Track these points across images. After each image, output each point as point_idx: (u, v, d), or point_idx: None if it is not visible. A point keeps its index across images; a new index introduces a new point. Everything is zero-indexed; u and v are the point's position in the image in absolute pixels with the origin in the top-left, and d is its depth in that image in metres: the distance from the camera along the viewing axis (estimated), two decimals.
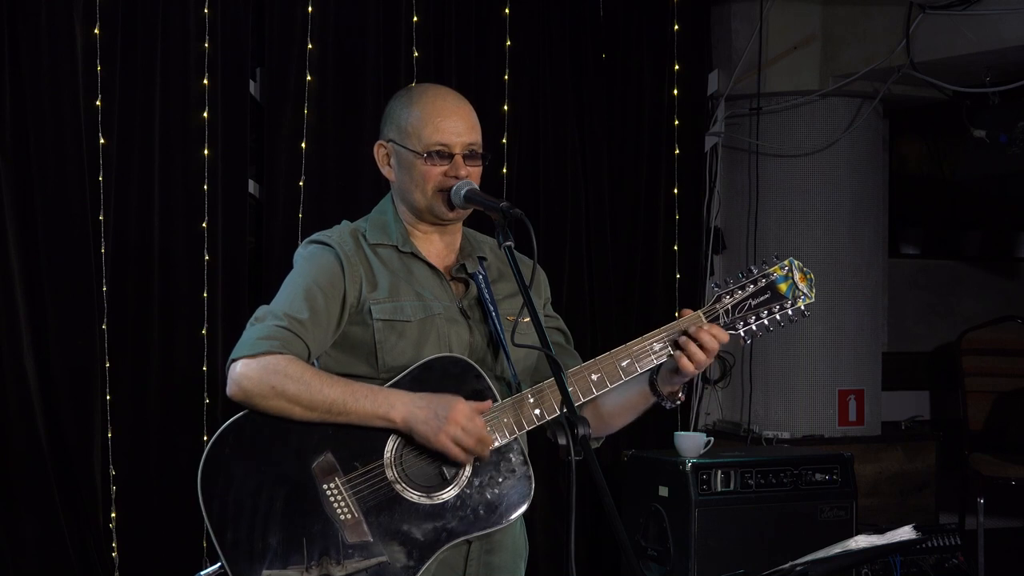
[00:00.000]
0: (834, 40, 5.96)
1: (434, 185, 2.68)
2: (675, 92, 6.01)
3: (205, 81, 4.97)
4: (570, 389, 2.47)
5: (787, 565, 2.73)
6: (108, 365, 4.85)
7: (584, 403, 2.61)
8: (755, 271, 2.66)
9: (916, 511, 6.00)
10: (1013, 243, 7.74)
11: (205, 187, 4.99)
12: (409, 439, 2.56)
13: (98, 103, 4.81)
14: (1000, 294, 7.43)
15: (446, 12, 5.46)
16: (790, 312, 2.65)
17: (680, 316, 2.63)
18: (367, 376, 2.63)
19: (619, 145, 5.94)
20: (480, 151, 2.72)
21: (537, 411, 2.58)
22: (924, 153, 7.70)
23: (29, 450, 4.71)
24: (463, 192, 2.65)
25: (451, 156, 2.68)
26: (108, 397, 4.84)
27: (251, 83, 5.16)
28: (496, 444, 2.56)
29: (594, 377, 2.60)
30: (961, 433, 6.59)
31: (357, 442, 2.56)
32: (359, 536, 2.53)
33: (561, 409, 2.38)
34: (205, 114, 4.97)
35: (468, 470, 2.57)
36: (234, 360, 2.57)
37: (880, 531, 2.86)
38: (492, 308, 2.70)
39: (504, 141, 5.56)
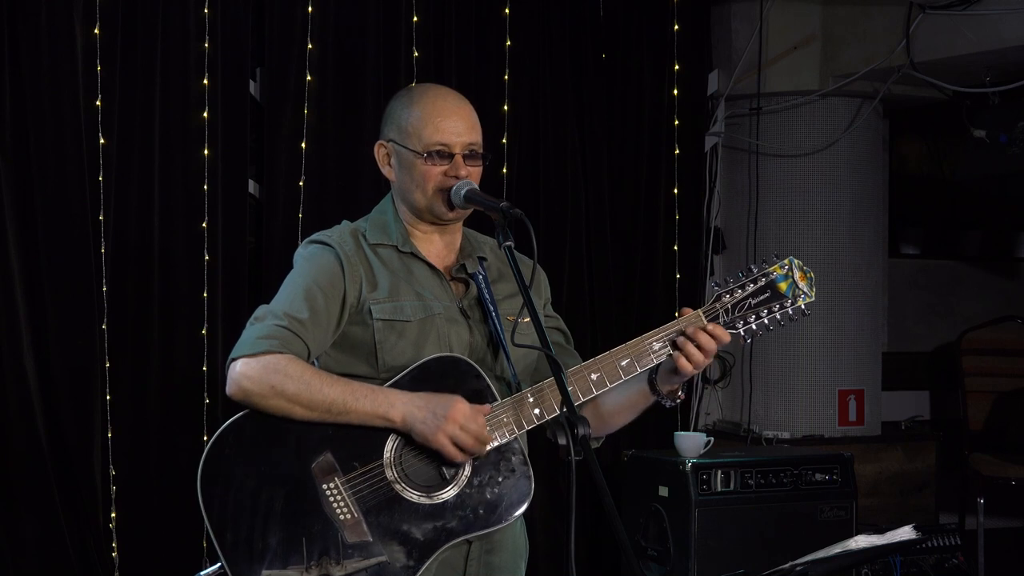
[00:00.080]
0: (834, 40, 5.96)
1: (434, 185, 2.68)
2: (675, 92, 6.01)
3: (205, 81, 4.97)
4: (570, 389, 2.47)
5: (787, 565, 2.73)
6: (108, 365, 4.85)
7: (584, 403, 2.61)
8: (755, 270, 2.66)
9: (916, 511, 6.00)
10: (1013, 243, 7.74)
11: (205, 187, 4.99)
12: (409, 439, 2.56)
13: (98, 103, 4.81)
14: (1000, 294, 7.43)
15: (446, 12, 5.46)
16: (790, 311, 2.65)
17: (680, 315, 2.63)
18: (367, 376, 2.63)
19: (619, 145, 5.94)
20: (480, 151, 2.72)
21: (537, 411, 2.58)
22: (924, 153, 7.70)
23: (29, 450, 4.71)
24: (463, 192, 2.65)
25: (451, 156, 2.68)
26: (108, 397, 4.84)
27: (251, 83, 5.16)
28: (495, 444, 2.56)
29: (594, 377, 2.60)
30: (961, 433, 6.59)
31: (357, 442, 2.56)
32: (359, 536, 2.53)
33: (561, 409, 2.38)
34: (205, 114, 4.98)
35: (468, 470, 2.57)
36: (234, 359, 2.57)
37: (880, 531, 2.86)
38: (492, 308, 2.70)
39: (504, 141, 5.56)
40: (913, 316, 7.21)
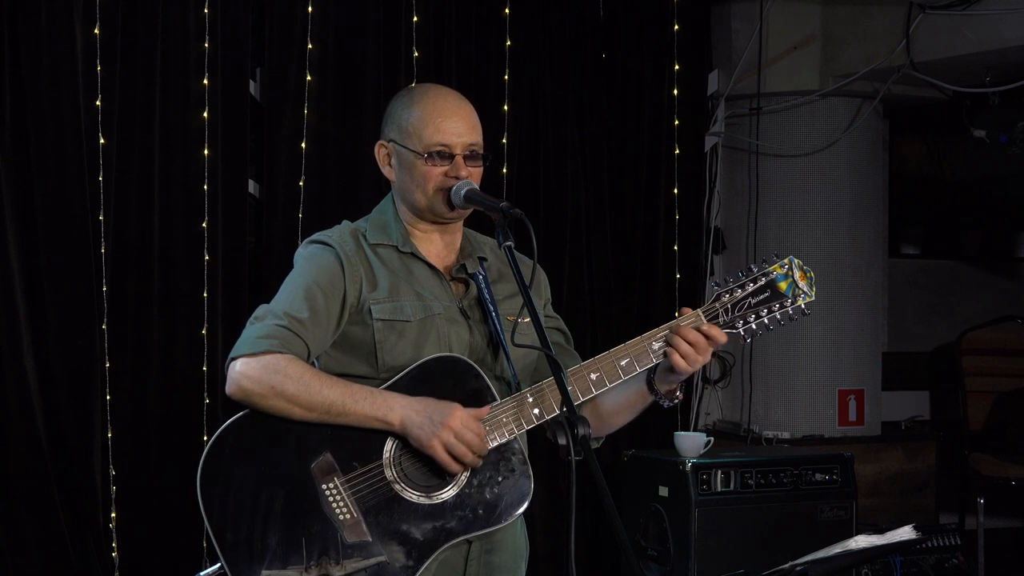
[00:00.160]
0: (834, 40, 5.96)
1: (434, 185, 2.68)
2: (675, 92, 6.01)
3: (205, 81, 4.97)
4: (569, 388, 2.47)
5: (787, 565, 2.72)
6: (108, 365, 4.85)
7: (583, 402, 2.61)
8: (755, 270, 2.66)
9: (916, 511, 6.00)
10: (1013, 243, 7.74)
11: (205, 187, 4.99)
12: (407, 441, 2.56)
13: (98, 103, 4.81)
14: (1000, 294, 7.43)
15: (446, 12, 5.46)
16: (790, 310, 2.65)
17: (680, 315, 2.63)
18: (367, 376, 2.63)
19: (619, 145, 5.94)
20: (481, 151, 2.72)
21: (536, 411, 2.58)
22: (924, 153, 7.70)
23: (29, 450, 4.71)
24: (463, 192, 2.65)
25: (452, 156, 2.68)
26: (108, 397, 4.84)
27: (251, 83, 5.16)
28: (495, 443, 2.56)
29: (593, 376, 2.60)
30: (961, 433, 6.59)
31: (356, 442, 2.56)
32: (358, 536, 2.53)
33: (560, 409, 2.38)
34: (205, 114, 4.97)
35: (467, 470, 2.56)
36: (234, 359, 2.57)
37: (880, 531, 2.86)
38: (492, 308, 2.70)
39: (504, 141, 5.55)
40: (913, 316, 7.21)
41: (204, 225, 4.99)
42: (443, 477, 2.56)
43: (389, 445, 2.57)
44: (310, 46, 5.14)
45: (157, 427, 4.94)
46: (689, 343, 2.57)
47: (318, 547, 2.52)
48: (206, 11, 4.95)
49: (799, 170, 6.07)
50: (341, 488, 2.54)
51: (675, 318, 2.64)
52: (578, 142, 5.80)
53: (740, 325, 2.63)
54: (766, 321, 2.64)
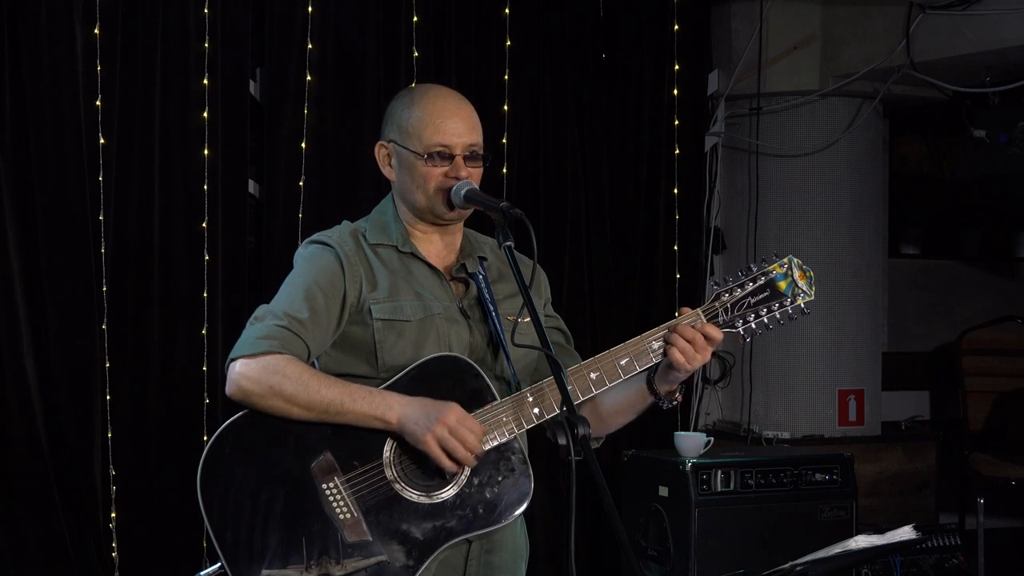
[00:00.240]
0: (834, 40, 5.96)
1: (435, 185, 2.68)
2: (675, 92, 6.01)
3: (205, 81, 4.97)
4: (569, 388, 2.47)
5: (787, 565, 2.73)
6: (108, 365, 4.85)
7: (583, 402, 2.61)
8: (754, 269, 2.66)
9: (916, 511, 6.00)
10: (1013, 243, 7.74)
11: (205, 187, 4.99)
12: (405, 440, 2.56)
13: (98, 103, 4.81)
14: (1000, 294, 7.43)
15: (446, 12, 5.46)
16: (790, 310, 2.65)
17: (680, 315, 2.63)
18: (367, 376, 2.63)
19: (619, 145, 5.94)
20: (481, 152, 2.72)
21: (536, 410, 2.58)
22: (924, 153, 7.70)
23: (29, 450, 4.71)
24: (463, 192, 2.65)
25: (452, 157, 2.68)
26: (108, 397, 4.84)
27: (251, 83, 5.16)
28: (495, 443, 2.56)
29: (593, 376, 2.60)
30: (961, 433, 6.59)
31: (356, 441, 2.56)
32: (358, 535, 2.53)
33: (560, 408, 2.38)
34: (205, 114, 4.98)
35: (467, 469, 2.57)
36: (233, 359, 2.57)
37: (880, 531, 2.86)
38: (492, 308, 2.70)
39: (504, 141, 5.55)
40: (913, 316, 7.21)
41: (204, 225, 4.99)
42: (443, 477, 2.56)
43: (389, 445, 2.57)
44: (310, 46, 5.14)
45: (157, 427, 4.94)
46: (687, 340, 2.57)
47: (318, 546, 2.52)
48: (206, 11, 4.95)
49: (799, 170, 6.07)
50: (341, 487, 2.54)
51: (675, 317, 2.64)
52: (578, 142, 5.80)
53: (740, 324, 2.63)
54: (766, 320, 2.64)
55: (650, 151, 6.00)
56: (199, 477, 2.54)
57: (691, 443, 5.07)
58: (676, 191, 6.03)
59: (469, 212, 2.72)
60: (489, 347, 2.70)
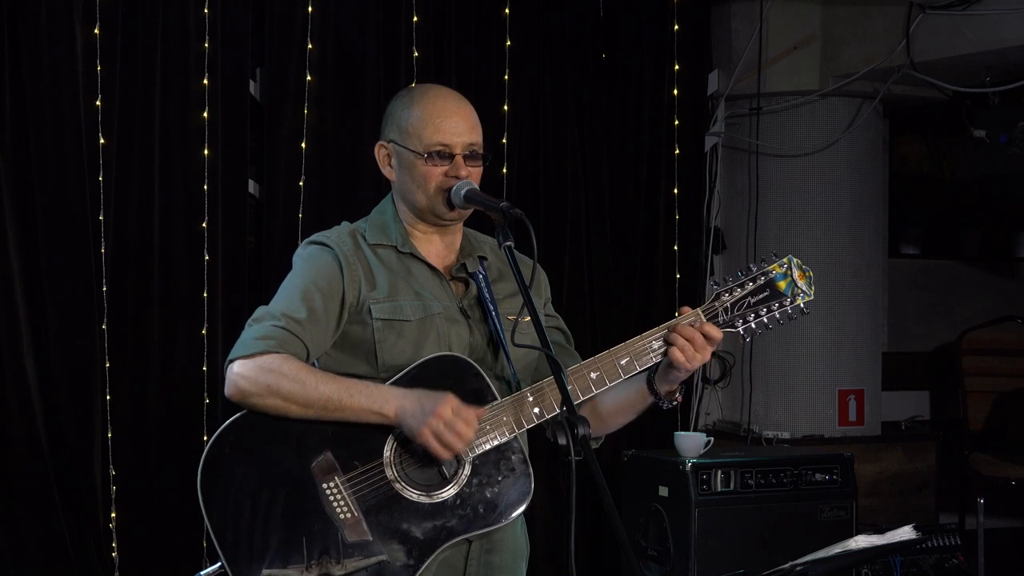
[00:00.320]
0: (834, 40, 5.96)
1: (435, 185, 2.68)
2: (675, 92, 6.01)
3: (205, 81, 4.97)
4: (569, 387, 2.47)
5: (787, 565, 2.72)
6: (108, 365, 4.85)
7: (583, 402, 2.61)
8: (754, 269, 2.66)
9: (916, 511, 6.00)
10: (1013, 243, 7.74)
11: (205, 187, 4.99)
12: (407, 437, 2.56)
13: (98, 103, 4.81)
14: (1000, 294, 7.43)
15: (446, 12, 5.46)
16: (789, 310, 2.65)
17: (680, 314, 2.63)
18: (367, 376, 2.63)
19: (619, 145, 5.94)
20: (481, 151, 2.72)
21: (536, 410, 2.58)
22: (924, 153, 7.70)
23: (29, 450, 4.71)
24: (463, 192, 2.65)
25: (452, 156, 2.68)
26: (108, 397, 4.84)
27: (251, 83, 5.16)
28: (495, 442, 2.56)
29: (593, 375, 2.60)
30: (961, 433, 6.59)
31: (356, 441, 2.56)
32: (359, 535, 2.53)
33: (560, 408, 2.38)
34: (205, 114, 4.98)
35: (468, 469, 2.57)
36: (231, 360, 2.58)
37: (880, 531, 2.86)
38: (492, 308, 2.70)
39: (504, 141, 5.56)
40: (913, 316, 7.21)
41: (204, 225, 4.99)
42: (443, 476, 2.56)
43: (389, 444, 2.57)
44: (310, 46, 5.14)
45: (157, 427, 4.94)
46: (687, 340, 2.57)
47: (319, 546, 2.52)
48: (206, 11, 4.95)
49: (799, 170, 6.07)
50: (342, 487, 2.55)
51: (675, 317, 2.64)
52: (578, 142, 5.80)
53: (739, 324, 2.63)
54: (765, 320, 2.64)
55: (650, 151, 6.00)
56: (199, 477, 2.54)
57: (691, 443, 5.07)
58: (676, 191, 6.03)
59: (469, 212, 2.72)
60: (489, 347, 2.70)
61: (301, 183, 5.13)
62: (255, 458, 2.56)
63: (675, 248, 6.04)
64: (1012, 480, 6.26)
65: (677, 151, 6.03)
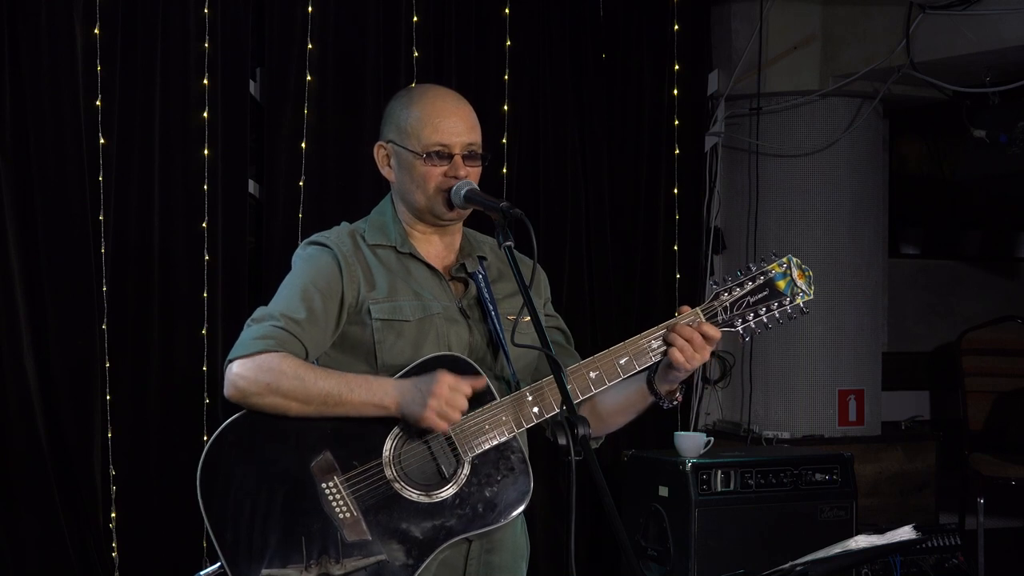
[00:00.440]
0: (834, 40, 5.96)
1: (434, 185, 2.68)
2: (675, 92, 6.01)
3: (205, 81, 4.97)
4: (568, 387, 2.47)
5: (787, 565, 2.72)
6: (108, 365, 4.85)
7: (582, 401, 2.61)
8: (753, 268, 2.66)
9: (916, 511, 6.00)
10: (1013, 243, 7.74)
11: (205, 187, 4.99)
12: (407, 436, 2.56)
13: (98, 103, 4.81)
14: (1000, 294, 7.43)
15: (446, 12, 5.46)
16: (789, 309, 2.65)
17: (679, 313, 2.63)
18: None
19: (619, 145, 5.94)
20: (480, 151, 2.72)
21: (536, 409, 2.58)
22: (924, 153, 7.70)
23: (29, 450, 4.71)
24: (463, 192, 2.65)
25: (451, 156, 2.68)
26: (108, 397, 4.84)
27: (251, 83, 5.16)
28: (494, 442, 2.57)
29: (592, 375, 2.60)
30: (961, 433, 6.58)
31: (356, 441, 2.56)
32: (358, 535, 2.53)
33: (560, 407, 2.38)
34: (205, 114, 4.98)
35: (467, 468, 2.57)
36: (230, 361, 2.58)
37: (880, 531, 2.86)
38: (492, 308, 2.70)
39: (504, 141, 5.56)
40: (913, 316, 7.21)
41: (204, 225, 4.99)
42: (443, 476, 2.56)
43: (389, 444, 2.57)
44: (310, 46, 5.14)
45: (157, 427, 4.94)
46: (686, 339, 2.58)
47: (318, 546, 2.52)
48: (206, 11, 4.95)
49: (799, 170, 6.07)
50: (341, 487, 2.55)
51: (675, 317, 2.64)
52: (578, 142, 5.80)
53: (739, 324, 2.63)
54: (765, 320, 2.64)
55: (650, 151, 6.00)
56: (199, 477, 2.54)
57: (691, 443, 5.07)
58: (676, 191, 6.03)
59: (469, 212, 2.72)
60: (489, 347, 2.70)
61: (301, 183, 5.13)
62: (254, 458, 2.56)
63: (675, 248, 6.04)
64: (1012, 480, 6.26)
65: (677, 151, 6.03)
